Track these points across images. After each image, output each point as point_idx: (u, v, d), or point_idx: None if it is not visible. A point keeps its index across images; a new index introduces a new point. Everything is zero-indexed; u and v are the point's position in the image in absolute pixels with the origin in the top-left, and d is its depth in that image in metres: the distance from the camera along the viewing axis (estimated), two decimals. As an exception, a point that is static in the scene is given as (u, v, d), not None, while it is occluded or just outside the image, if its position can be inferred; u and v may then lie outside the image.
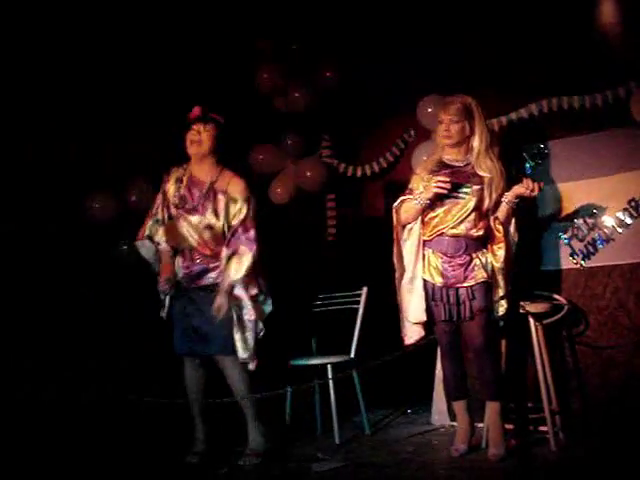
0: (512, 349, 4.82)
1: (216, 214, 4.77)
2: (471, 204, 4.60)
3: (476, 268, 4.61)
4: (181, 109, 4.92)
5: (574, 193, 5.11)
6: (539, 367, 4.67)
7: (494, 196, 4.62)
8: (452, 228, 4.63)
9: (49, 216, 5.62)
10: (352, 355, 5.22)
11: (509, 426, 4.85)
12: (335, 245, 6.48)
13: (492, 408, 4.60)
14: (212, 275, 4.77)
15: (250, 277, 4.71)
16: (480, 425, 4.83)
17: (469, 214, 4.60)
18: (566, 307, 4.89)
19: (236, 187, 4.81)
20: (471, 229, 4.62)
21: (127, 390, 4.33)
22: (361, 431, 5.28)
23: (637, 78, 4.84)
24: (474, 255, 4.63)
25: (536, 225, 5.20)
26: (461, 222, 4.61)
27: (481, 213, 4.64)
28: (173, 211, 4.87)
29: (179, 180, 4.87)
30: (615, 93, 4.95)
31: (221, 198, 4.78)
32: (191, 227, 4.79)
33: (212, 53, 6.01)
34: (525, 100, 5.28)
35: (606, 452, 4.46)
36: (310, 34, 6.14)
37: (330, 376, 5.05)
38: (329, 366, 5.10)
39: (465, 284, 4.61)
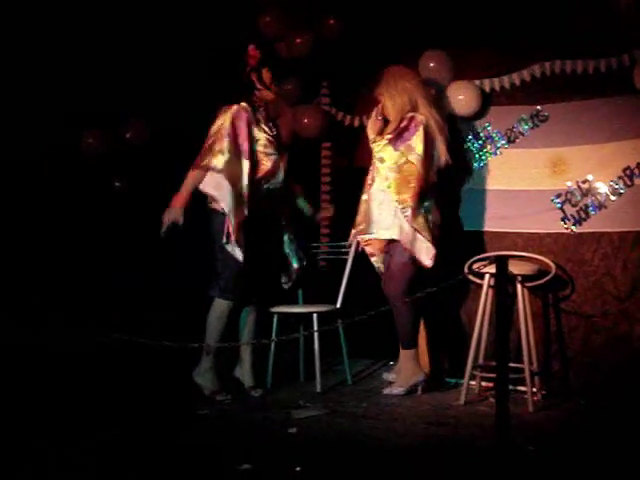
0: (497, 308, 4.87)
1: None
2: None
3: None
4: (182, 50, 4.88)
5: (570, 158, 5.12)
6: (522, 328, 4.72)
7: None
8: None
9: (45, 151, 5.61)
10: (338, 305, 5.25)
11: (488, 384, 4.94)
12: (329, 194, 6.47)
13: (402, 355, 4.99)
14: None
15: None
16: (461, 382, 4.94)
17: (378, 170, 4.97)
18: (553, 271, 4.92)
19: None
20: (381, 184, 4.94)
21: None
22: (343, 380, 5.35)
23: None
24: None
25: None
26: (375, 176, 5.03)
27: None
28: (263, 152, 4.96)
29: (263, 121, 5.03)
30: (619, 60, 4.92)
31: None
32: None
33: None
34: (528, 61, 5.24)
35: (582, 415, 4.55)
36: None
37: (315, 325, 5.09)
38: (314, 315, 5.13)
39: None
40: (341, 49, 6.13)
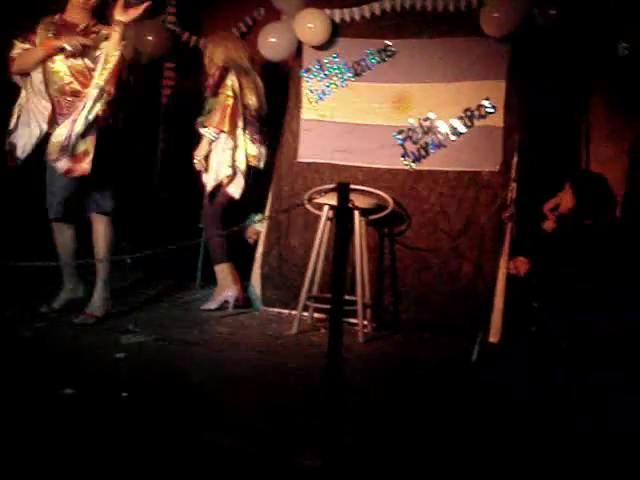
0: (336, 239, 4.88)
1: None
2: None
3: None
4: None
5: (414, 95, 5.15)
6: (357, 261, 4.77)
7: None
8: None
9: None
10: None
11: (321, 315, 4.97)
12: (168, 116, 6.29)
13: (215, 270, 5.31)
14: None
15: None
16: (294, 312, 4.94)
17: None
18: (391, 206, 4.97)
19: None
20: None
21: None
22: (182, 310, 5.31)
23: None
24: None
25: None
26: None
27: None
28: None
29: (50, 28, 4.68)
30: (468, 2, 4.96)
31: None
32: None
33: None
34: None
35: (409, 348, 4.66)
36: None
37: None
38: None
39: None
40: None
